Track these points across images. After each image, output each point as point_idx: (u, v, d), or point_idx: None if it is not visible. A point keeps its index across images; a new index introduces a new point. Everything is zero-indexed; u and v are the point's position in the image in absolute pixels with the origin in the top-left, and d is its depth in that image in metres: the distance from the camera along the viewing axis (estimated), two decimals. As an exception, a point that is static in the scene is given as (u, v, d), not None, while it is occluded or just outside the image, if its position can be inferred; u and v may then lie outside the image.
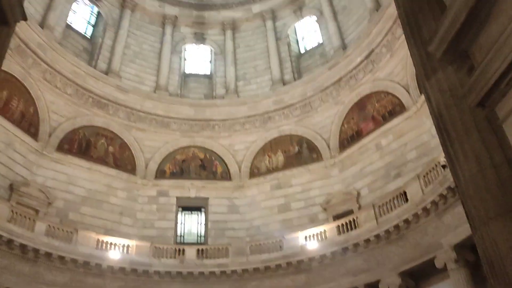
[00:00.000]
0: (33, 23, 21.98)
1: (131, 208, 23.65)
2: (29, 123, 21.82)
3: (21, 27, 21.05)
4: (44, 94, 22.45)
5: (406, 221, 17.43)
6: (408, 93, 21.57)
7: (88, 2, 28.00)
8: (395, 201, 18.51)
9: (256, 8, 31.41)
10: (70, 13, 26.28)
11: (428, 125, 19.83)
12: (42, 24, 22.99)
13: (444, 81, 4.27)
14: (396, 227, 17.77)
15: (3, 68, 20.35)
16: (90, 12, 28.24)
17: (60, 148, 22.74)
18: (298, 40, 30.43)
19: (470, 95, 3.71)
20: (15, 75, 20.96)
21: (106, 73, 25.89)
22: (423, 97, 20.14)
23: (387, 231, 18.01)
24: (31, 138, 21.67)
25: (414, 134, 21.00)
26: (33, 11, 22.75)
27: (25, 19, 4.85)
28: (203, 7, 31.89)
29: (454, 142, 4.04)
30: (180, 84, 29.11)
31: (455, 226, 15.51)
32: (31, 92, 21.85)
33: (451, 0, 3.62)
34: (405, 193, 18.18)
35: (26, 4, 21.44)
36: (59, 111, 23.21)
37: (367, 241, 18.56)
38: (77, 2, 27.22)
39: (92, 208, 22.29)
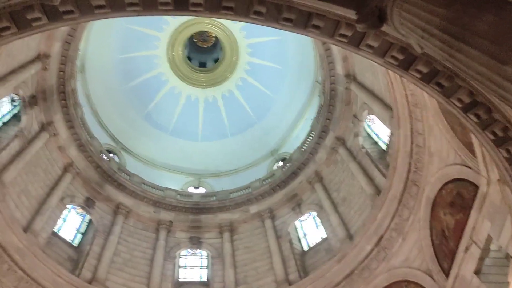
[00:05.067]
0: (17, 227, 20.55)
1: None
2: None
3: (2, 230, 19.61)
4: (14, 308, 19.37)
5: None
6: (432, 278, 18.85)
7: (80, 211, 27.24)
8: None
9: (253, 208, 30.90)
10: (59, 220, 25.14)
11: (466, 313, 16.77)
12: (27, 229, 21.49)
13: None
14: None
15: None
16: (81, 221, 27.19)
17: None
18: (300, 237, 28.81)
19: None
20: (-16, 287, 18.42)
21: (90, 282, 23.13)
22: (451, 280, 17.66)
23: None
24: None
25: (452, 327, 17.44)
26: (19, 215, 21.56)
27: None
28: (199, 211, 31.27)
29: None
30: (173, 293, 25.99)
31: None
32: (-1, 305, 18.88)
33: None
34: None
35: (12, 207, 20.62)
36: (27, 329, 19.66)
37: None
38: (68, 210, 26.42)
39: None
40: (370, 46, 9.45)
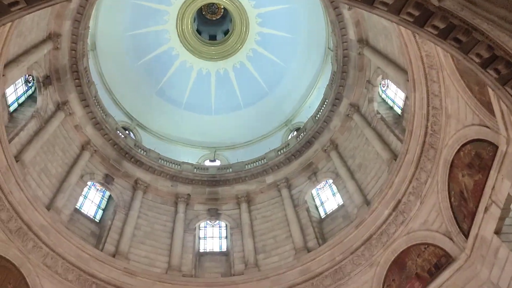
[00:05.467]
0: (39, 205, 21.06)
1: None
2: (21, 317, 18.85)
3: (25, 209, 20.11)
4: (42, 281, 19.95)
5: None
6: (452, 240, 18.82)
7: (99, 187, 27.77)
8: None
9: (269, 178, 31.04)
10: (80, 197, 25.70)
11: (485, 273, 16.72)
12: (49, 206, 22.05)
13: None
14: None
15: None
16: (101, 197, 27.74)
17: None
18: (317, 205, 28.96)
19: None
20: (12, 261, 18.97)
21: (114, 255, 23.79)
22: (470, 241, 17.62)
23: None
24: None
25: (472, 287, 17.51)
26: (41, 193, 22.08)
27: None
28: (216, 183, 31.59)
29: None
30: (194, 264, 26.50)
31: None
32: (27, 280, 19.46)
33: None
34: None
35: (34, 186, 21.05)
36: (58, 302, 20.39)
37: None
38: (89, 187, 26.94)
39: None
40: (384, 4, 9.17)
